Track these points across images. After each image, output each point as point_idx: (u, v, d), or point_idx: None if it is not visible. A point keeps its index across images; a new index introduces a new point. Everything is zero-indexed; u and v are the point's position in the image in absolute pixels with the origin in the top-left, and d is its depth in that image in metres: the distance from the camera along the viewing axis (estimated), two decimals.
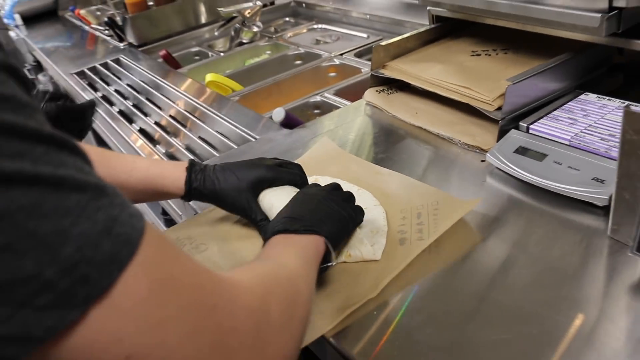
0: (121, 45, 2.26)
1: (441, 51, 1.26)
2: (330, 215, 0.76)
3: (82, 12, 2.70)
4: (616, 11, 0.91)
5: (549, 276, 0.74)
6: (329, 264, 0.74)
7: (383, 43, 1.25)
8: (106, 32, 2.41)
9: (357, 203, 0.85)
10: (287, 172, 0.89)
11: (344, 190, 0.84)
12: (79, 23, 2.77)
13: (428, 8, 1.31)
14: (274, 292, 0.54)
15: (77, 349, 0.36)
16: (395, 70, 1.22)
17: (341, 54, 1.77)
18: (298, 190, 0.86)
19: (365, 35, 1.94)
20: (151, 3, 2.30)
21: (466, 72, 1.12)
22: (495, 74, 1.09)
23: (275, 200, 0.83)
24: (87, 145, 0.66)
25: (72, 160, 0.37)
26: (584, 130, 0.93)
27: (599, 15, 0.91)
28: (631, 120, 0.66)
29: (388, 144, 1.12)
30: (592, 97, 1.04)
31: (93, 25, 2.62)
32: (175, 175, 0.87)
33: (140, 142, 1.44)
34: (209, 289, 0.44)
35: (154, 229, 0.41)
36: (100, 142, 2.14)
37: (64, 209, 0.35)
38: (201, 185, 0.86)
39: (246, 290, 0.49)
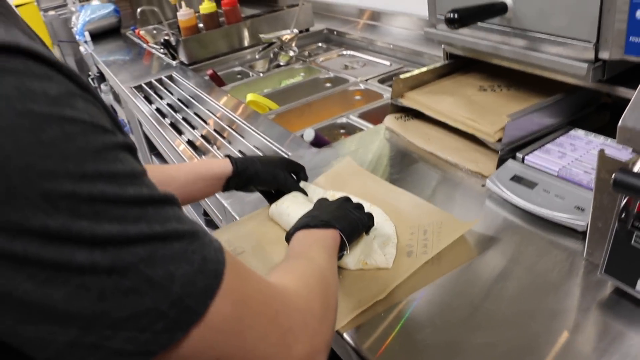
0: (174, 63, 2.34)
1: (453, 85, 1.31)
2: (343, 216, 0.84)
3: (142, 32, 2.80)
4: (601, 62, 0.96)
5: (532, 290, 0.79)
6: (343, 253, 0.84)
7: (402, 76, 1.31)
8: (161, 50, 2.50)
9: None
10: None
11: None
12: (138, 41, 2.86)
13: (443, 46, 1.36)
14: (314, 289, 0.62)
15: (181, 357, 0.44)
16: (412, 100, 1.28)
17: (366, 80, 1.83)
18: (306, 196, 1.00)
19: (388, 63, 2.00)
20: (201, 25, 2.39)
21: (473, 105, 1.18)
22: (498, 109, 1.14)
23: (291, 206, 0.95)
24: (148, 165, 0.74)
25: (172, 212, 0.45)
26: (571, 163, 0.98)
27: (586, 65, 0.96)
28: (604, 162, 0.71)
29: (402, 166, 1.18)
30: (580, 132, 1.09)
31: (150, 44, 2.71)
32: (221, 162, 0.98)
33: (188, 152, 1.52)
34: (271, 299, 0.52)
35: (230, 256, 0.49)
36: (153, 148, 2.24)
37: (170, 256, 0.43)
38: (245, 166, 0.98)
39: (295, 294, 0.57)
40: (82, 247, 0.39)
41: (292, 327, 0.53)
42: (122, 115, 3.11)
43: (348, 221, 0.84)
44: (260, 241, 0.98)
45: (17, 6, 8.44)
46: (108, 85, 3.21)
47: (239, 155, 1.40)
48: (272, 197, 1.04)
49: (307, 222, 0.80)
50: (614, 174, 0.62)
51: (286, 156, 1.25)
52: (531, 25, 1.05)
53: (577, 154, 1.01)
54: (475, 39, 1.17)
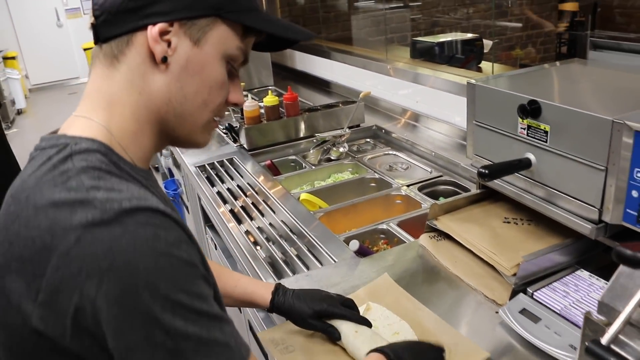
0: (234, 145, 2.64)
1: (481, 213, 1.54)
2: None
3: None
4: (603, 223, 1.17)
5: None
6: None
7: (439, 202, 1.54)
8: (224, 131, 2.80)
9: (398, 330, 1.14)
10: (344, 309, 1.17)
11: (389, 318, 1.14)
12: None
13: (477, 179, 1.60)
14: None
15: None
16: (445, 225, 1.51)
17: (408, 186, 2.07)
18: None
19: (429, 170, 2.24)
20: (262, 112, 2.69)
21: (496, 238, 1.40)
22: (517, 245, 1.36)
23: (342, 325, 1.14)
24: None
25: (223, 325, 0.73)
26: (572, 304, 1.19)
27: (591, 225, 1.18)
28: (588, 323, 0.92)
29: (430, 282, 1.40)
30: (585, 274, 1.29)
31: None
32: (265, 295, 1.20)
33: (246, 243, 1.76)
34: None
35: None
36: (207, 220, 2.50)
37: (214, 352, 0.70)
38: (281, 305, 1.18)
39: None
40: (163, 331, 0.66)
41: None
42: (177, 175, 3.41)
43: None
44: (308, 342, 1.20)
45: (86, 49, 9.05)
46: (169, 150, 3.52)
47: (296, 260, 1.62)
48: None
49: (386, 351, 0.98)
50: (586, 343, 0.83)
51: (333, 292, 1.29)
52: (550, 182, 1.27)
53: (579, 295, 1.22)
54: (504, 182, 1.40)
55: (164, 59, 0.78)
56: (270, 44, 0.92)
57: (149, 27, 0.77)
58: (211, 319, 0.71)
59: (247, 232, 1.86)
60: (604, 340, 0.82)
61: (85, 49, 9.11)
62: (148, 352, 0.65)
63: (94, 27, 0.80)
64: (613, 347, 0.82)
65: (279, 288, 1.20)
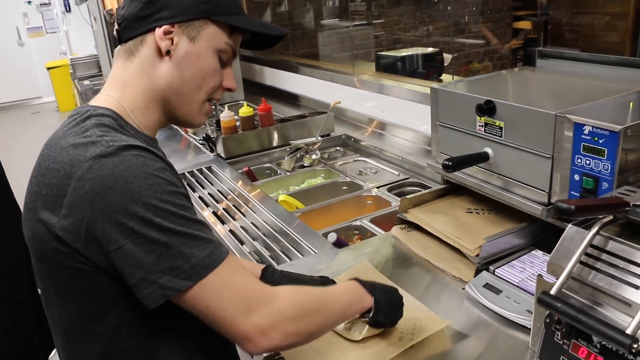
0: (212, 155, 2.77)
1: (447, 206, 1.70)
2: (392, 302, 1.21)
3: None
4: (552, 205, 1.35)
5: None
6: (365, 318, 1.19)
7: (408, 197, 1.71)
8: (200, 141, 2.93)
9: None
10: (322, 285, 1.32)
11: None
12: (176, 127, 3.31)
13: (441, 175, 1.77)
14: (299, 302, 1.00)
15: (189, 298, 0.90)
16: (414, 216, 1.67)
17: (377, 187, 2.23)
18: None
19: (396, 173, 2.42)
20: (238, 124, 2.83)
21: (461, 225, 1.57)
22: (479, 230, 1.52)
23: None
24: None
25: (204, 227, 0.94)
26: (528, 277, 1.36)
27: (541, 207, 1.35)
28: (540, 283, 1.09)
29: (404, 268, 1.56)
30: (539, 253, 1.47)
31: (189, 133, 3.15)
32: (255, 273, 1.34)
33: (232, 241, 1.89)
34: (250, 286, 0.96)
35: (233, 258, 0.95)
36: None
37: (197, 245, 0.91)
38: (269, 283, 1.30)
39: (275, 295, 0.97)
40: (157, 230, 0.87)
41: (257, 306, 0.92)
42: None
43: (390, 306, 1.20)
44: None
45: (49, 68, 9.02)
46: None
47: (279, 252, 1.77)
48: None
49: (360, 280, 1.18)
50: (538, 295, 1.00)
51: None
52: (505, 172, 1.45)
53: (534, 270, 1.39)
54: (465, 175, 1.57)
55: (168, 52, 1.03)
56: (255, 42, 1.15)
57: (157, 29, 1.02)
58: (195, 222, 0.92)
59: (232, 232, 1.99)
60: (552, 290, 0.98)
61: (48, 68, 9.09)
62: (147, 246, 0.87)
63: (117, 32, 1.06)
64: (559, 297, 0.99)
65: (268, 267, 1.36)
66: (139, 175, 0.88)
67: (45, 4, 9.87)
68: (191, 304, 0.91)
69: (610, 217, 1.02)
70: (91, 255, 0.90)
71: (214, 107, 1.13)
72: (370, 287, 1.18)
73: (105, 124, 0.96)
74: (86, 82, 5.34)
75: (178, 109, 1.08)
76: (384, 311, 1.18)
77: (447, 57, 3.52)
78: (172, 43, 1.02)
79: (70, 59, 6.23)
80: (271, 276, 1.33)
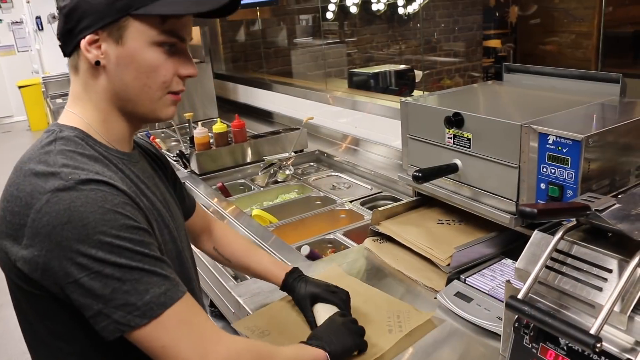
0: (185, 171, 2.76)
1: (418, 217, 1.73)
2: (344, 338, 1.17)
3: (157, 140, 3.23)
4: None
5: None
6: None
7: (380, 209, 1.73)
8: (174, 158, 2.92)
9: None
10: (336, 297, 1.33)
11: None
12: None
13: (412, 187, 1.79)
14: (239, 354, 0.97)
15: (144, 335, 0.88)
16: (387, 228, 1.69)
17: (350, 201, 2.25)
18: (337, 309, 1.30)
19: (369, 187, 2.44)
20: (212, 140, 2.83)
21: (432, 236, 1.59)
22: (450, 240, 1.55)
23: (322, 312, 1.29)
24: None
25: (164, 264, 0.93)
26: (498, 285, 1.38)
27: (509, 215, 1.38)
28: (508, 288, 1.11)
29: (377, 279, 1.57)
30: (509, 262, 1.50)
31: (163, 150, 3.14)
32: (279, 274, 1.38)
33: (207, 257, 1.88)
34: (201, 329, 0.94)
35: (189, 298, 0.94)
36: None
37: (153, 282, 0.89)
38: (289, 284, 1.37)
39: (220, 342, 0.95)
40: (111, 265, 0.86)
41: (215, 349, 0.92)
42: None
43: (342, 345, 1.15)
44: (285, 324, 1.34)
45: (20, 87, 8.93)
46: None
47: None
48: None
49: (310, 342, 1.13)
50: (506, 300, 1.02)
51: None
52: (474, 183, 1.48)
53: (504, 278, 1.41)
54: (435, 186, 1.60)
55: (97, 63, 0.97)
56: (209, 12, 1.01)
57: (81, 41, 0.97)
58: (152, 258, 0.91)
59: None
60: (520, 295, 1.01)
61: (20, 87, 8.99)
62: (102, 281, 0.86)
63: (60, 47, 1.03)
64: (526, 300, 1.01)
65: (294, 271, 1.39)
66: (95, 211, 0.86)
67: (16, 22, 9.79)
68: (147, 342, 0.90)
69: (574, 222, 1.05)
70: (48, 286, 0.90)
71: (180, 94, 1.05)
72: (317, 340, 1.14)
73: (71, 149, 0.94)
74: (59, 100, 5.31)
75: (138, 110, 1.03)
76: (343, 352, 1.16)
77: (419, 74, 3.58)
78: (102, 52, 0.97)
79: (43, 77, 6.18)
80: (292, 278, 1.36)
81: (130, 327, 0.87)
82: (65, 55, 1.02)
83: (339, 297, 1.33)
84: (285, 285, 1.37)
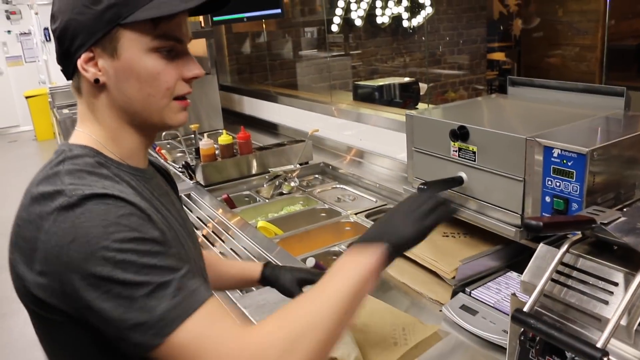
0: (191, 182, 2.78)
1: None
2: (399, 224, 0.98)
3: (163, 151, 3.25)
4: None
5: None
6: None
7: None
8: (180, 169, 2.94)
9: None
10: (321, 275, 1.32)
11: None
12: (156, 155, 3.31)
13: None
14: (284, 338, 0.83)
15: (166, 354, 0.81)
16: None
17: (355, 214, 2.26)
18: None
19: (374, 200, 2.44)
20: (217, 152, 2.84)
21: (437, 249, 1.59)
22: (455, 253, 1.55)
23: None
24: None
25: (177, 275, 0.84)
26: (503, 298, 1.38)
27: (515, 229, 1.38)
28: (514, 302, 1.11)
29: (382, 292, 1.57)
30: (514, 274, 1.50)
31: (169, 161, 3.16)
32: (256, 269, 1.36)
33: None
34: (226, 341, 0.83)
35: (213, 307, 0.85)
36: None
37: (163, 295, 0.82)
38: (270, 275, 1.34)
39: (254, 341, 0.83)
40: (119, 283, 0.80)
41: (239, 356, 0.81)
42: None
43: (406, 233, 0.97)
44: None
45: (27, 97, 9.00)
46: None
47: None
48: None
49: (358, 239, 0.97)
50: (512, 313, 1.02)
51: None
52: (480, 196, 1.48)
53: (509, 291, 1.41)
54: None
55: (97, 81, 0.95)
56: (204, 7, 0.98)
57: (77, 61, 0.94)
58: (162, 269, 0.84)
59: (222, 253, 1.99)
60: (526, 308, 1.01)
61: (27, 97, 9.05)
62: (113, 301, 0.81)
63: (62, 72, 1.01)
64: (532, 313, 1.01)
65: (268, 263, 1.38)
66: (97, 225, 0.82)
67: (25, 33, 9.88)
68: (174, 358, 0.82)
69: (580, 235, 1.05)
70: (68, 310, 0.87)
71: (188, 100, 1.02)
72: (371, 235, 0.98)
73: (80, 168, 0.91)
74: (65, 110, 5.31)
75: (147, 122, 1.00)
76: (407, 241, 0.98)
77: (423, 87, 3.60)
78: (99, 68, 0.94)
79: (50, 87, 6.21)
80: (271, 269, 1.35)
81: (149, 347, 0.81)
82: (67, 79, 1.01)
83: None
84: (266, 277, 1.34)
